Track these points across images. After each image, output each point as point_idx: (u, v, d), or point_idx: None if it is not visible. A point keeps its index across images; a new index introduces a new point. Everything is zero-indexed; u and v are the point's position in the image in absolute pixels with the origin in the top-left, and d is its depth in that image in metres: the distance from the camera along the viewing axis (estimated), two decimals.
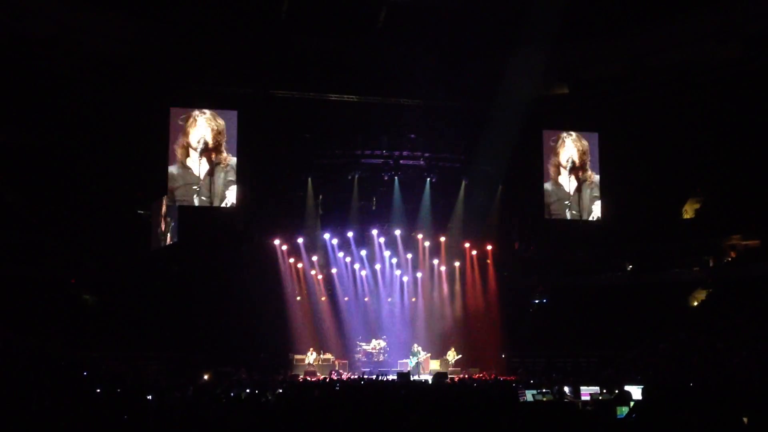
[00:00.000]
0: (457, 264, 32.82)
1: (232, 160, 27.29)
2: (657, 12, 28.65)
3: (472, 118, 30.60)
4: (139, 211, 31.23)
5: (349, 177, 31.06)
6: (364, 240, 32.33)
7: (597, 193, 30.05)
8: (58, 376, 20.15)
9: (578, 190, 30.13)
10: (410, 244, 32.63)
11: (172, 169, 27.06)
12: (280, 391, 15.72)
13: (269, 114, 29.92)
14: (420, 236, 32.38)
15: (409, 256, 32.62)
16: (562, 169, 30.31)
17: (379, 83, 29.69)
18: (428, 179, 31.50)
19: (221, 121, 27.35)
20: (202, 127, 27.27)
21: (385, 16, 27.86)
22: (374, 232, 32.11)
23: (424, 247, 32.54)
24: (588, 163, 30.62)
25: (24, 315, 26.56)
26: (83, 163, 30.68)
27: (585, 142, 30.30)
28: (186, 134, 27.07)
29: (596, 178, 30.09)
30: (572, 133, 30.03)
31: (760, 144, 30.30)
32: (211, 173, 27.28)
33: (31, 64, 27.74)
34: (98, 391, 15.10)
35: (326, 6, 27.29)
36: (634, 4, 28.26)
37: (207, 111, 27.25)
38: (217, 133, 27.37)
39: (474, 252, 32.67)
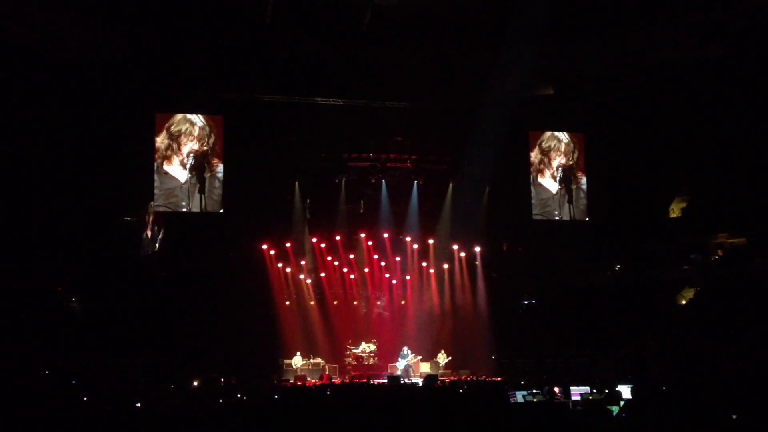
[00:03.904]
0: (445, 266, 32.82)
1: (220, 166, 27.26)
2: (640, 12, 28.77)
3: (459, 120, 30.64)
4: (125, 218, 31.07)
5: (336, 181, 31.06)
6: (352, 243, 32.31)
7: (584, 195, 30.17)
8: (45, 384, 20.00)
9: (567, 191, 30.23)
10: (398, 247, 32.62)
11: (159, 177, 26.99)
12: (276, 396, 15.64)
13: (255, 118, 29.88)
14: (408, 239, 32.38)
15: (398, 259, 32.61)
16: (550, 171, 30.42)
17: (364, 86, 29.70)
18: (415, 182, 31.54)
19: (210, 131, 27.35)
20: (192, 135, 27.24)
21: (369, 18, 27.85)
22: (362, 235, 32.09)
23: (412, 250, 32.53)
24: (577, 166, 30.75)
25: (10, 323, 26.35)
26: (68, 169, 30.48)
27: (574, 146, 30.42)
28: (176, 142, 27.03)
29: (584, 180, 30.21)
30: (562, 136, 30.14)
31: (744, 142, 30.48)
32: (199, 180, 27.25)
33: (14, 71, 27.55)
34: (86, 398, 14.98)
35: (310, 9, 27.24)
36: (618, 5, 28.37)
37: (199, 119, 27.20)
38: (206, 142, 27.36)
39: (462, 254, 32.67)
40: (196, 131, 27.84)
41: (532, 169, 30.99)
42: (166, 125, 27.77)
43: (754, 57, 28.80)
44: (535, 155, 31.09)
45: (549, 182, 30.99)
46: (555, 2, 26.36)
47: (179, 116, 27.97)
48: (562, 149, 30.92)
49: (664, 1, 28.24)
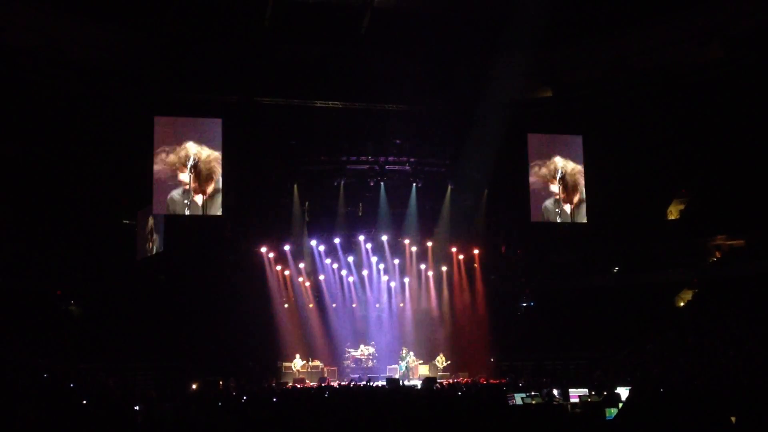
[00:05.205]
0: (444, 269, 32.81)
1: (219, 169, 27.22)
2: (639, 14, 28.82)
3: (457, 122, 30.64)
4: (124, 221, 31.07)
5: (335, 183, 31.02)
6: (351, 246, 32.28)
7: (583, 198, 30.14)
8: (44, 388, 19.99)
9: (565, 193, 30.17)
10: (397, 249, 32.62)
11: (159, 182, 26.91)
12: (275, 399, 15.65)
13: (254, 121, 29.88)
14: (407, 241, 32.37)
15: (397, 261, 32.60)
16: (550, 180, 30.31)
17: (363, 89, 29.70)
18: (414, 184, 31.49)
19: (207, 151, 27.30)
20: (190, 149, 27.19)
21: (368, 22, 27.87)
22: (361, 238, 32.06)
23: (411, 253, 32.52)
24: (577, 179, 30.61)
25: (9, 327, 26.34)
26: (67, 173, 30.51)
27: (573, 165, 30.35)
28: (174, 151, 26.96)
29: (583, 182, 30.15)
30: (559, 146, 30.18)
31: (743, 144, 30.51)
32: (199, 184, 27.19)
33: (12, 74, 27.55)
34: (85, 402, 14.99)
35: (310, 13, 27.26)
36: (617, 7, 28.41)
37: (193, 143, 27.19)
38: (205, 154, 27.31)
39: (461, 256, 32.66)
40: (196, 149, 27.73)
41: (531, 176, 30.84)
42: (166, 141, 27.54)
43: (754, 59, 28.83)
44: (535, 163, 30.89)
45: (551, 189, 30.84)
46: (554, 4, 26.39)
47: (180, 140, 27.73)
48: (565, 168, 30.76)
49: (663, 3, 28.28)
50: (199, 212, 27.27)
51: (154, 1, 27.28)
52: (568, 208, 30.68)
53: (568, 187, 30.72)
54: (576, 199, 30.44)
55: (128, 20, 27.80)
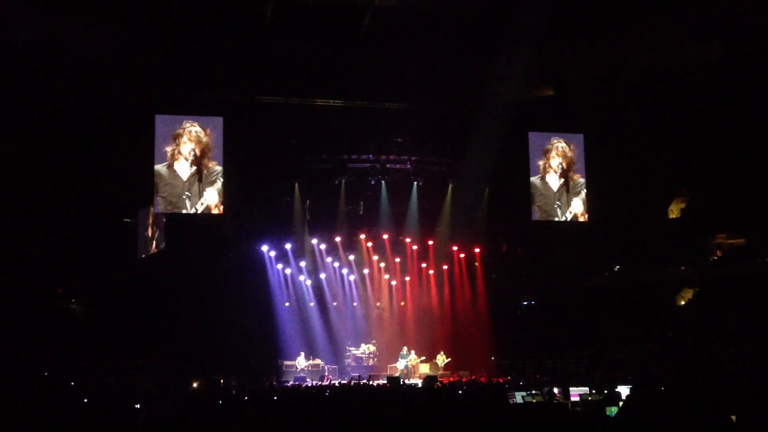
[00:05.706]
0: (445, 267, 32.82)
1: (219, 167, 27.26)
2: (640, 13, 28.84)
3: (458, 121, 30.64)
4: (125, 219, 31.09)
5: (336, 182, 31.03)
6: (352, 245, 32.30)
7: (584, 197, 30.16)
8: (45, 387, 20.00)
9: (566, 193, 30.21)
10: (398, 248, 32.62)
11: (161, 177, 26.96)
12: (276, 398, 15.64)
13: (255, 120, 29.90)
14: (408, 240, 32.39)
15: (398, 260, 32.61)
16: (551, 173, 30.35)
17: (364, 88, 29.71)
18: (415, 183, 31.51)
19: (209, 132, 27.28)
20: (191, 139, 27.20)
21: (369, 20, 27.88)
22: (362, 236, 32.09)
23: (412, 251, 32.53)
24: (576, 167, 30.67)
25: (11, 325, 26.35)
26: (68, 171, 30.53)
27: (573, 147, 30.35)
28: (176, 145, 26.99)
29: (583, 181, 30.18)
30: (560, 139, 30.14)
31: (743, 143, 30.50)
32: (199, 181, 27.23)
33: (13, 73, 27.57)
34: (86, 400, 14.98)
35: (311, 11, 27.28)
36: (617, 6, 28.42)
37: (195, 124, 27.18)
38: (206, 144, 27.32)
39: (462, 255, 32.67)
40: (198, 138, 27.76)
41: (532, 171, 30.89)
42: (169, 131, 27.56)
43: (754, 58, 28.83)
44: (535, 158, 30.95)
45: (551, 185, 30.91)
46: (554, 3, 26.39)
47: (182, 123, 27.76)
48: (565, 155, 30.79)
49: (663, 2, 28.28)
50: (200, 210, 27.32)
51: (155, 0, 27.29)
52: (568, 206, 30.73)
53: (569, 185, 30.75)
54: (577, 197, 30.47)
55: (129, 19, 27.83)
